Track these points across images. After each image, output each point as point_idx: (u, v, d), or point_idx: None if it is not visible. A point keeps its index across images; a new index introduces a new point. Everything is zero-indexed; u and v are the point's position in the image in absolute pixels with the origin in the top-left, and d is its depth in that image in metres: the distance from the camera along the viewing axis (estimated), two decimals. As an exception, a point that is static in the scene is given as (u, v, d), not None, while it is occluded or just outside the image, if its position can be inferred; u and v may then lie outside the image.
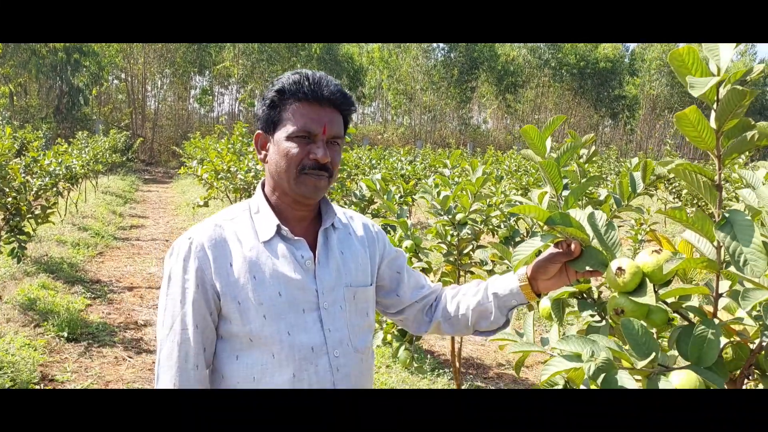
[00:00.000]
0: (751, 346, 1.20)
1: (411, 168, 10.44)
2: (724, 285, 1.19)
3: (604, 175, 11.88)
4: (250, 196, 7.65)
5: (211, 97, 32.16)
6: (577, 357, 1.08)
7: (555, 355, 1.49)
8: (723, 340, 1.25)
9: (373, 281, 1.40)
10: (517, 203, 1.29)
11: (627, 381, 1.03)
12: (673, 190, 10.03)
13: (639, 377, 1.13)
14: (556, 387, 1.35)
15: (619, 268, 1.15)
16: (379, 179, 3.05)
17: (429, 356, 4.74)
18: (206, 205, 8.18)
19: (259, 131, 1.33)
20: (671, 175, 2.53)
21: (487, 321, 1.39)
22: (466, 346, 5.25)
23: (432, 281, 1.54)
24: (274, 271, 1.24)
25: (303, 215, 1.33)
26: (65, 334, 4.65)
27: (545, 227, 1.28)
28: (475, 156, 19.52)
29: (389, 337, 2.69)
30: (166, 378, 1.22)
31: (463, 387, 4.19)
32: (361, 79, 36.75)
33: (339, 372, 1.25)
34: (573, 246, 1.23)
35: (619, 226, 1.22)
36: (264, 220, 1.29)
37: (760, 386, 1.30)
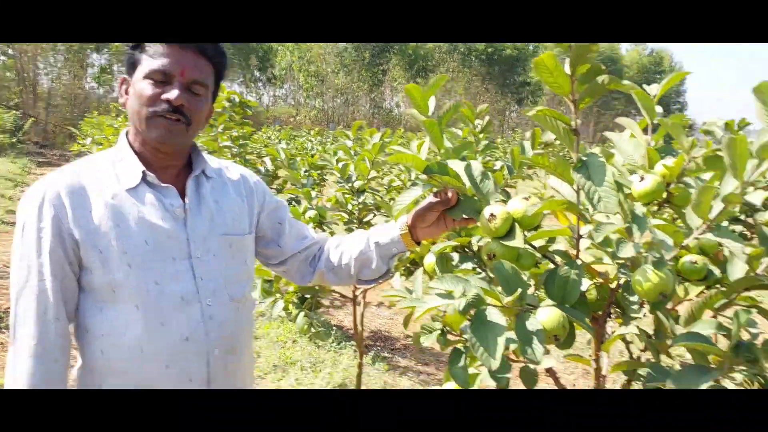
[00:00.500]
0: (613, 288, 1.30)
1: (322, 149, 10.38)
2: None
3: (493, 141, 12.28)
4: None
5: (110, 76, 30.47)
6: (449, 295, 1.12)
7: (441, 310, 1.55)
8: (587, 282, 1.35)
9: (252, 230, 1.38)
10: (395, 152, 1.32)
11: (496, 316, 1.08)
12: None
13: (510, 317, 1.19)
14: (434, 333, 1.39)
15: (491, 215, 1.21)
16: (284, 148, 3.01)
17: (337, 330, 4.77)
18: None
19: (125, 75, 1.27)
20: (557, 142, 2.66)
21: (370, 269, 1.41)
22: (374, 320, 5.32)
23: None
24: (140, 219, 1.20)
25: (168, 163, 1.28)
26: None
27: (423, 176, 1.32)
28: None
29: (290, 306, 2.68)
30: (24, 332, 1.15)
31: (367, 357, 4.25)
32: (272, 60, 36.03)
33: (212, 320, 1.23)
34: (450, 194, 1.27)
35: (525, 198, 1.27)
36: (128, 167, 1.23)
37: (621, 326, 1.41)
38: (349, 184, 2.76)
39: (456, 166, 1.31)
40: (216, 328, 1.24)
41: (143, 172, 1.23)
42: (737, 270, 1.37)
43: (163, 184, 1.25)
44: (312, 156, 4.48)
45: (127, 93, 1.26)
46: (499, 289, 1.20)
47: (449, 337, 1.39)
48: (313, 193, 2.99)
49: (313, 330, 2.46)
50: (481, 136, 2.62)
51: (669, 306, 1.40)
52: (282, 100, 40.80)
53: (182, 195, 1.27)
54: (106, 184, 1.21)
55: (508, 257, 1.23)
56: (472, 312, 1.09)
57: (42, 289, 1.15)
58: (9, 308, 4.02)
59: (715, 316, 1.33)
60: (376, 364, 4.18)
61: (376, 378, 3.85)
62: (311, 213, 2.90)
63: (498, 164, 2.58)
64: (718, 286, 1.44)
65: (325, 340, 4.30)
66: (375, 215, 3.03)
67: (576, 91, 1.02)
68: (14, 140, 17.51)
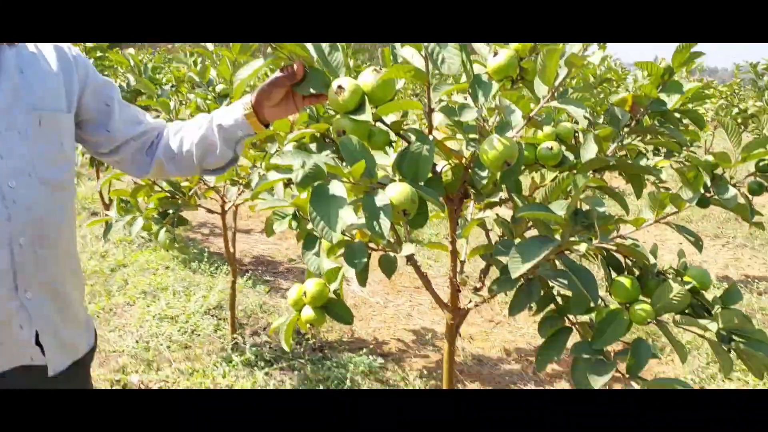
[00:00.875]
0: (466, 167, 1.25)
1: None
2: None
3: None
4: None
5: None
6: (289, 170, 1.03)
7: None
8: (443, 164, 1.30)
9: (71, 109, 1.19)
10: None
11: (337, 189, 1.00)
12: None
13: (358, 195, 1.12)
14: (286, 218, 1.30)
15: (339, 86, 1.11)
16: (132, 53, 2.73)
17: (214, 256, 4.61)
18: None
19: None
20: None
21: (214, 156, 1.28)
22: (257, 246, 5.20)
23: None
24: None
25: None
26: None
27: (267, 49, 1.19)
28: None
29: (152, 225, 2.49)
30: None
31: (247, 280, 4.15)
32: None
33: (16, 204, 1.05)
34: (296, 67, 1.15)
35: (376, 71, 1.18)
36: None
37: (476, 211, 1.38)
38: (211, 88, 2.55)
39: (302, 37, 1.19)
40: (21, 212, 1.06)
41: None
42: (589, 152, 1.38)
43: None
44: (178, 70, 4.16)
45: None
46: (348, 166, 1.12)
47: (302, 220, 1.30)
48: (173, 105, 2.76)
49: (177, 245, 2.30)
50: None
51: (526, 193, 1.40)
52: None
53: None
54: None
55: (359, 134, 1.15)
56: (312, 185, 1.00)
57: None
58: None
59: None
60: (257, 286, 4.08)
61: (255, 299, 3.76)
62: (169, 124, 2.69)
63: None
64: (572, 171, 1.45)
65: (191, 257, 4.11)
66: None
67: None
68: None
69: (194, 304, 3.50)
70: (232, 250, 2.97)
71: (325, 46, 1.19)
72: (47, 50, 1.18)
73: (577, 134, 1.50)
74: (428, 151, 1.12)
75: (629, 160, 1.55)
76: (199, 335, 3.22)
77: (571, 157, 1.44)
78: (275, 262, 4.80)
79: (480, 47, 1.27)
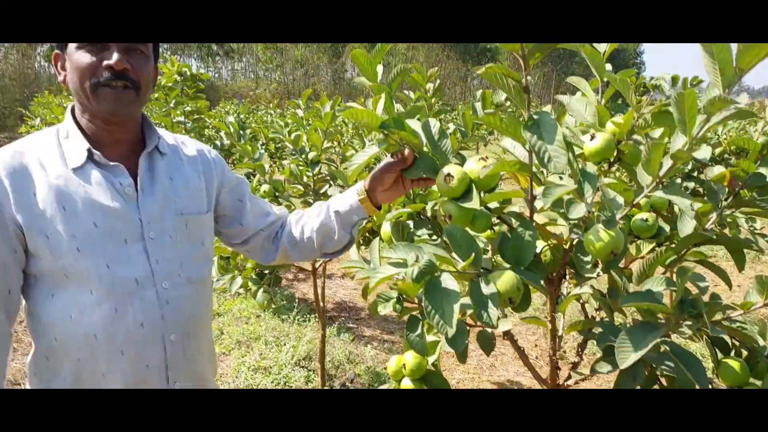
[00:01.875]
0: (567, 249, 1.29)
1: (282, 121, 10.21)
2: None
3: (448, 106, 12.30)
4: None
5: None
6: (403, 264, 1.10)
7: (400, 277, 1.53)
8: (541, 244, 1.34)
9: (210, 209, 1.32)
10: (349, 108, 1.27)
11: (450, 282, 1.06)
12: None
13: (464, 282, 1.18)
14: (390, 301, 1.37)
15: (448, 174, 1.18)
16: (232, 121, 2.93)
17: (301, 303, 4.75)
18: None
19: (57, 51, 1.19)
20: (507, 103, 2.64)
21: (332, 241, 1.38)
22: (339, 291, 5.31)
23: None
24: (88, 200, 1.12)
25: (119, 138, 1.21)
26: None
27: (379, 135, 1.28)
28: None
29: (249, 283, 2.64)
30: None
31: (332, 328, 4.25)
32: (228, 32, 35.13)
33: (169, 304, 1.18)
34: (406, 152, 1.24)
35: (482, 159, 1.25)
36: (73, 145, 1.16)
37: (575, 287, 1.41)
38: (303, 156, 2.70)
39: (413, 123, 1.27)
40: (173, 312, 1.18)
41: (88, 150, 1.15)
42: (686, 226, 1.38)
43: (111, 163, 1.17)
44: (267, 128, 4.39)
45: (63, 69, 1.18)
46: (454, 255, 1.18)
47: (406, 305, 1.37)
48: (268, 167, 2.93)
49: (273, 306, 2.42)
50: (432, 100, 2.59)
51: (622, 264, 1.41)
52: (241, 74, 39.97)
53: (134, 173, 1.20)
54: (49, 164, 1.13)
55: (464, 219, 1.21)
56: (426, 279, 1.07)
57: None
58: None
59: (667, 273, 1.33)
60: (341, 335, 4.17)
61: (341, 348, 3.85)
62: (265, 187, 2.84)
63: (451, 127, 2.57)
64: (668, 243, 1.45)
65: (287, 314, 4.27)
66: (331, 185, 2.98)
67: (525, 47, 0.99)
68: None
69: (285, 355, 3.63)
70: (322, 304, 3.07)
71: (435, 132, 1.27)
72: (190, 153, 1.32)
73: (671, 204, 1.51)
74: (531, 237, 1.17)
75: (728, 231, 1.53)
76: (291, 387, 3.33)
77: (666, 228, 1.44)
78: (357, 308, 4.89)
79: (575, 128, 1.31)
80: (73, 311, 1.13)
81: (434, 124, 1.29)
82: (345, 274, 5.84)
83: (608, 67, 1.35)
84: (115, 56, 1.11)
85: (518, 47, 0.99)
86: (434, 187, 1.35)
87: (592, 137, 1.24)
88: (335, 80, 36.87)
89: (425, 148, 1.27)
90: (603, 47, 1.34)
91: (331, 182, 2.97)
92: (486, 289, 1.08)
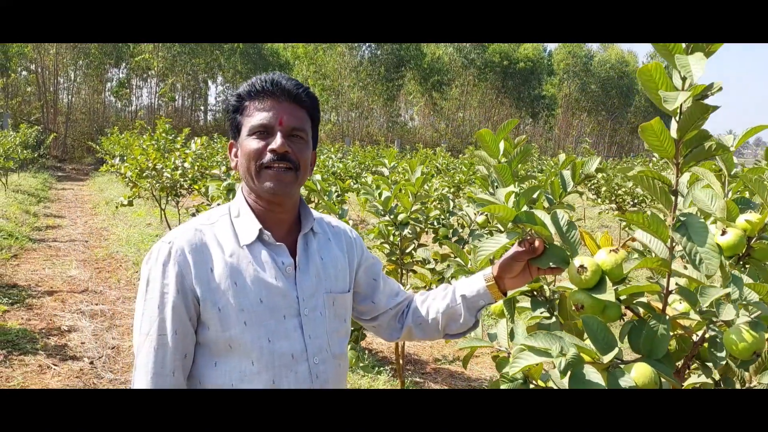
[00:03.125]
0: (694, 338, 1.30)
1: (342, 166, 10.43)
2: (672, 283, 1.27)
3: (529, 172, 12.29)
4: (177, 195, 7.26)
5: (127, 90, 30.79)
6: (545, 352, 1.13)
7: (502, 348, 1.55)
8: (670, 334, 1.35)
9: (351, 287, 1.40)
10: (484, 202, 1.33)
11: (593, 375, 1.09)
12: (592, 187, 10.52)
13: (600, 372, 1.20)
14: (516, 382, 1.40)
15: (581, 266, 1.21)
16: (319, 180, 3.04)
17: (367, 353, 4.77)
18: (130, 204, 7.89)
19: (231, 140, 1.34)
20: (597, 175, 2.65)
21: (457, 323, 1.42)
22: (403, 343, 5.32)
23: None
24: (256, 278, 1.23)
25: (281, 218, 1.32)
26: (-19, 343, 4.36)
27: (509, 225, 1.33)
28: (404, 153, 19.68)
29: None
30: (142, 384, 1.18)
31: (396, 380, 4.24)
32: (288, 74, 36.25)
33: (318, 379, 1.25)
34: (537, 243, 1.28)
35: (613, 251, 1.29)
36: (245, 224, 1.28)
37: (701, 376, 1.41)
38: (391, 216, 2.77)
39: (542, 214, 1.32)
40: (321, 386, 1.26)
41: (260, 230, 1.26)
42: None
43: (277, 243, 1.28)
44: (343, 181, 4.50)
45: (236, 156, 1.32)
46: (586, 341, 1.21)
47: (531, 386, 1.39)
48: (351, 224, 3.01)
49: (361, 364, 2.46)
50: (519, 166, 2.63)
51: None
52: (297, 114, 40.98)
53: (292, 251, 1.30)
54: (224, 241, 1.25)
55: (596, 309, 1.24)
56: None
57: (162, 343, 1.19)
58: (44, 329, 4.06)
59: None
60: (409, 389, 4.16)
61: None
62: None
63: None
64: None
65: (369, 372, 4.29)
66: (415, 245, 3.04)
67: (681, 154, 1.03)
68: (36, 155, 17.73)
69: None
70: (401, 362, 3.09)
71: (564, 224, 1.31)
72: (336, 234, 1.41)
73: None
74: (665, 330, 1.19)
75: None
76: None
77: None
78: (422, 362, 4.87)
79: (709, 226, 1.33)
80: (234, 379, 1.21)
81: (562, 216, 1.33)
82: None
83: (735, 159, 1.37)
84: (279, 140, 1.23)
85: (674, 154, 1.03)
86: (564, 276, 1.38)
87: (723, 232, 1.26)
88: (389, 123, 37.46)
89: (555, 240, 1.31)
90: (731, 141, 1.36)
91: (415, 241, 3.03)
92: (624, 382, 1.11)
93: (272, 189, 1.25)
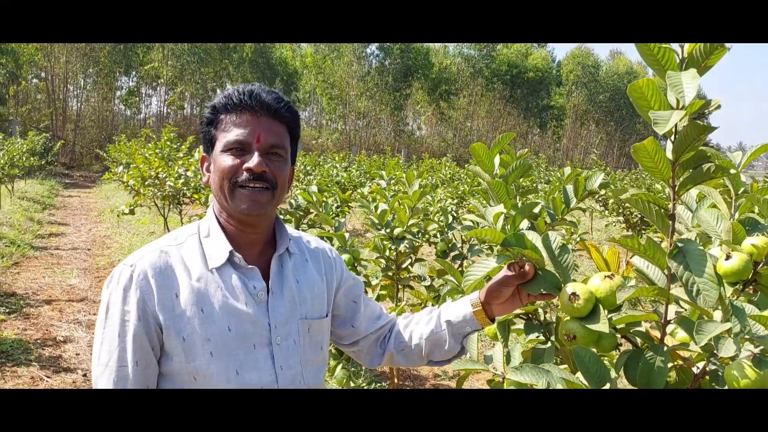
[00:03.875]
0: (694, 371, 1.21)
1: (346, 175, 10.37)
2: (671, 309, 1.19)
3: (534, 184, 12.20)
4: (179, 203, 7.21)
5: (137, 99, 30.97)
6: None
7: (498, 372, 1.47)
8: (668, 365, 1.26)
9: (329, 312, 1.31)
10: (471, 225, 1.25)
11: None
12: (600, 199, 10.41)
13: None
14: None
15: (573, 294, 1.13)
16: (315, 191, 2.97)
17: (364, 369, 4.68)
18: (132, 212, 7.86)
19: (204, 153, 1.25)
20: (601, 191, 2.57)
21: (441, 350, 1.34)
22: (402, 356, 5.22)
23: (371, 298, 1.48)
24: (224, 304, 1.15)
25: (254, 239, 1.24)
26: (-26, 354, 4.31)
27: (498, 248, 1.25)
28: (410, 162, 19.61)
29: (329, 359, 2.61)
30: None
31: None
32: (296, 83, 36.41)
33: None
34: (527, 267, 1.20)
35: (608, 277, 1.22)
36: (215, 245, 1.19)
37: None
38: (387, 230, 2.69)
39: (533, 237, 1.24)
40: None
41: (230, 252, 1.18)
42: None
43: (248, 266, 1.20)
44: (344, 191, 4.43)
45: (208, 170, 1.23)
46: (578, 374, 1.13)
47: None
48: (348, 237, 2.94)
49: (353, 384, 2.38)
50: (521, 180, 2.55)
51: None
52: (305, 123, 41.16)
53: (264, 275, 1.22)
54: (192, 264, 1.17)
55: (590, 339, 1.16)
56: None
57: (122, 375, 1.11)
58: (39, 339, 3.99)
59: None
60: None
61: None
62: (345, 256, 2.84)
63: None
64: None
65: (357, 386, 4.20)
66: (412, 260, 2.96)
67: (677, 177, 0.95)
68: (44, 162, 17.80)
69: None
70: (396, 381, 3.01)
71: (556, 247, 1.23)
72: (314, 254, 1.32)
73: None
74: (662, 362, 1.11)
75: None
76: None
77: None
78: (421, 377, 4.78)
79: (714, 249, 1.24)
80: None
81: (554, 239, 1.25)
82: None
83: (743, 178, 1.29)
84: (255, 159, 1.15)
85: (669, 177, 0.95)
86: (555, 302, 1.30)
87: (728, 257, 1.18)
88: (396, 133, 37.43)
89: (546, 265, 1.23)
90: (739, 158, 1.28)
91: (412, 256, 2.95)
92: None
93: (246, 210, 1.16)
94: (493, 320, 1.31)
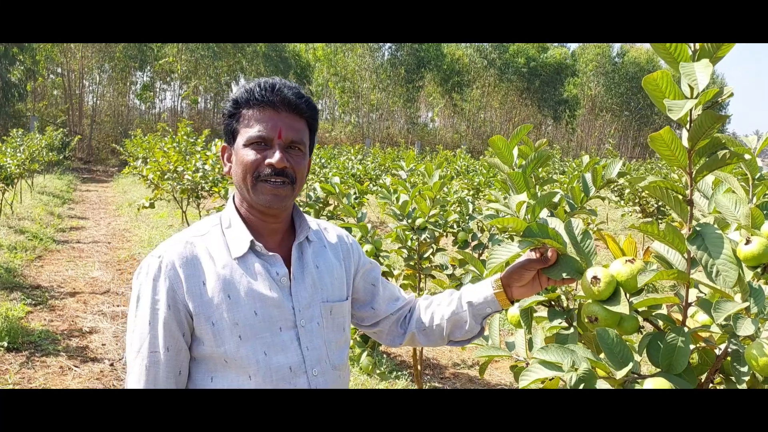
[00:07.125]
0: (716, 352, 1.25)
1: (362, 168, 10.43)
2: (692, 293, 1.23)
3: (549, 174, 12.17)
4: (198, 197, 7.32)
5: (152, 94, 31.18)
6: (557, 366, 1.10)
7: (521, 358, 1.52)
8: (690, 347, 1.31)
9: (349, 295, 1.37)
10: (493, 213, 1.30)
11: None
12: (615, 189, 10.38)
13: (615, 386, 1.16)
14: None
15: (595, 277, 1.18)
16: (338, 182, 3.03)
17: (386, 357, 4.74)
18: (152, 206, 7.97)
19: (224, 144, 1.31)
20: (619, 180, 2.61)
21: (462, 330, 1.39)
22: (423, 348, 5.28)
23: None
24: (249, 290, 1.21)
25: (275, 228, 1.30)
26: (5, 344, 4.43)
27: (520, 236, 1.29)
28: (424, 155, 19.60)
29: (351, 342, 2.67)
30: None
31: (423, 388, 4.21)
32: (309, 76, 36.45)
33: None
34: (549, 253, 1.25)
35: (629, 261, 1.25)
36: (236, 235, 1.25)
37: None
38: (409, 221, 2.74)
39: (556, 224, 1.28)
40: None
41: (251, 241, 1.24)
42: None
43: (270, 253, 1.25)
44: (361, 183, 4.49)
45: (229, 160, 1.29)
46: (602, 355, 1.17)
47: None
48: (370, 228, 3.00)
49: (378, 371, 2.44)
50: (539, 170, 2.59)
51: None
52: (318, 116, 41.15)
53: (286, 261, 1.28)
54: (216, 254, 1.23)
55: (611, 321, 1.20)
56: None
57: (154, 360, 1.17)
58: (65, 330, 4.09)
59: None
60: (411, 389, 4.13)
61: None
62: (368, 247, 2.90)
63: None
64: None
65: (386, 378, 4.27)
66: (433, 249, 3.01)
67: (693, 165, 0.99)
68: (62, 157, 18.02)
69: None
70: (419, 368, 3.07)
71: (578, 234, 1.27)
72: (332, 240, 1.38)
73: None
74: (684, 343, 1.15)
75: None
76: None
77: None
78: (441, 366, 4.84)
79: (732, 233, 1.28)
80: None
81: (577, 225, 1.29)
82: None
83: (759, 162, 1.32)
84: (277, 155, 1.21)
85: (686, 164, 0.99)
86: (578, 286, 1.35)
87: (748, 241, 1.22)
88: (409, 125, 37.39)
89: (568, 251, 1.27)
90: (754, 142, 1.31)
91: (433, 246, 3.00)
92: (641, 398, 1.07)
93: (268, 203, 1.23)
94: (512, 302, 1.36)
